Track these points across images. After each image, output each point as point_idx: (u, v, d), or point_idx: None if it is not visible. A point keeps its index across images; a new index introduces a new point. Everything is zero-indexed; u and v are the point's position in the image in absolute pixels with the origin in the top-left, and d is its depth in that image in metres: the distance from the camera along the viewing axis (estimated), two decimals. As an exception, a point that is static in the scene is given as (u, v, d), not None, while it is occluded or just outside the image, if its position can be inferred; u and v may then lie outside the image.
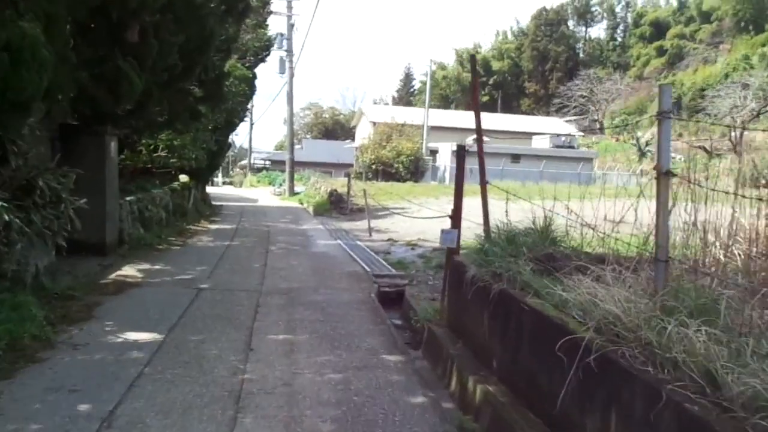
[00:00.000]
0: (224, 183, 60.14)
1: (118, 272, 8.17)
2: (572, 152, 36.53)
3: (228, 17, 10.66)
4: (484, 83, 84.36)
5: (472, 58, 6.30)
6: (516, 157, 35.23)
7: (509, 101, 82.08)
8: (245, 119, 31.66)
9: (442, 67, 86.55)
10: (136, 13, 6.64)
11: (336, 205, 20.60)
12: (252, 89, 17.63)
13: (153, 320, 5.83)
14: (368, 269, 9.27)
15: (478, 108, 6.10)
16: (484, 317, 4.84)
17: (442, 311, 6.20)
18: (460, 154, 6.36)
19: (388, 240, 13.03)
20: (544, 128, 43.56)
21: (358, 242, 12.61)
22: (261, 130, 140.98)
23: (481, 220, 6.08)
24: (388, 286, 8.25)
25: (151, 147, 13.18)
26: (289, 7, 30.47)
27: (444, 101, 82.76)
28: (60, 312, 5.81)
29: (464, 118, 48.56)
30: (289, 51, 30.92)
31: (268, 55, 20.39)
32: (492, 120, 48.73)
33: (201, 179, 18.58)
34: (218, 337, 5.39)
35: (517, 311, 4.23)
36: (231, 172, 69.82)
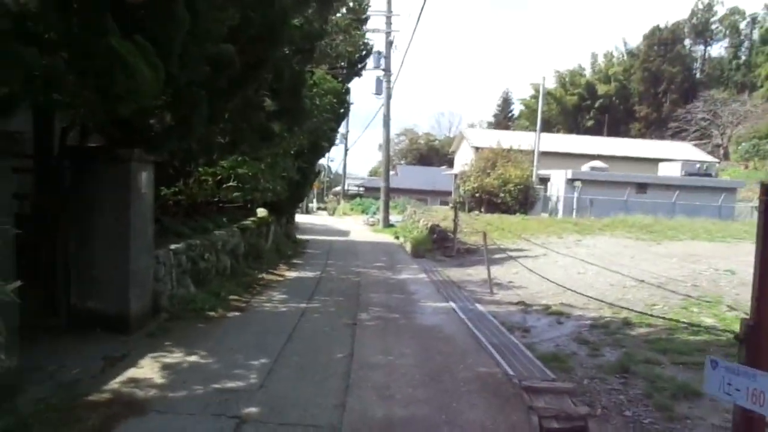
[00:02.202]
0: (318, 208, 58.99)
1: (128, 373, 5.31)
2: (710, 181, 31.18)
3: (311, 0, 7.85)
4: (589, 107, 79.37)
5: None
6: (642, 187, 30.43)
7: (616, 126, 76.65)
8: (336, 143, 29.26)
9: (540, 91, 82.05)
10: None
11: (439, 244, 17.35)
12: (344, 106, 14.90)
13: None
14: (509, 369, 5.90)
15: None
16: None
17: None
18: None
19: (519, 303, 9.59)
20: (672, 154, 38.25)
21: (479, 306, 9.26)
22: (356, 155, 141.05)
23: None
24: (556, 417, 4.85)
25: (219, 177, 10.57)
26: (388, 23, 27.91)
27: (545, 125, 78.13)
28: None
29: (577, 143, 44.06)
30: (387, 70, 28.29)
31: (364, 67, 17.63)
32: (609, 145, 43.92)
33: (283, 213, 16.00)
34: None
35: None
36: (325, 198, 69.09)
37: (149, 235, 6.89)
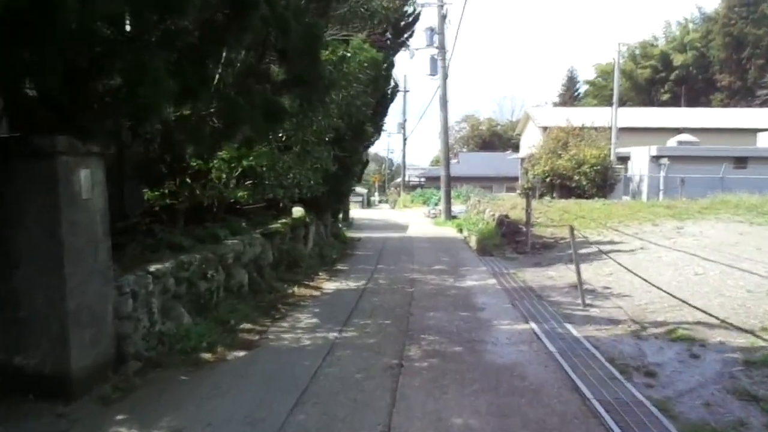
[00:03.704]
0: (380, 201, 57.78)
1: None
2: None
3: None
4: (664, 79, 73.63)
5: None
6: (740, 161, 26.69)
7: (695, 98, 70.47)
8: (385, 129, 26.93)
9: (606, 70, 76.75)
10: None
11: (509, 239, 14.87)
12: (389, 83, 12.60)
13: None
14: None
15: None
16: None
17: None
18: None
19: (626, 322, 7.09)
20: (769, 121, 33.85)
21: (571, 329, 6.85)
22: (416, 146, 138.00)
23: None
24: None
25: (237, 173, 8.59)
26: (440, -5, 25.42)
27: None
28: None
29: (658, 116, 39.92)
30: (441, 47, 25.81)
31: (411, 35, 15.28)
32: (695, 116, 39.64)
33: (324, 210, 13.99)
34: None
35: None
36: (386, 191, 67.77)
37: (101, 257, 4.92)
